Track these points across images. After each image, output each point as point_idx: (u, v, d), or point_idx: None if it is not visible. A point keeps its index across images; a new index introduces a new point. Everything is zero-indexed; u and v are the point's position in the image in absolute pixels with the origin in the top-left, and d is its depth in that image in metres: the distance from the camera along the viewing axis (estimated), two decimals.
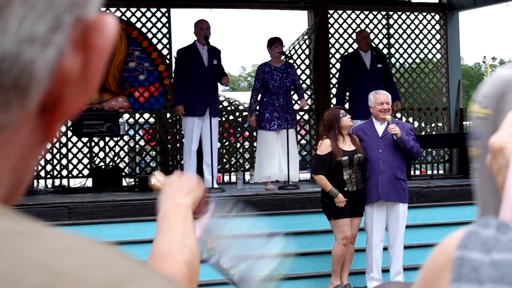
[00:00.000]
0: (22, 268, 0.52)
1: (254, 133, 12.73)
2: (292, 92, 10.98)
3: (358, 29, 13.43)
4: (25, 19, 0.56)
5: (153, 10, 12.86)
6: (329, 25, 13.70)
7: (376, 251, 8.21)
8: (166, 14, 12.93)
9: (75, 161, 12.51)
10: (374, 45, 12.96)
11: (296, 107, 12.01)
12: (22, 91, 0.57)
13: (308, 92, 13.58)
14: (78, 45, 0.59)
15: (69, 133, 12.34)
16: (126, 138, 12.83)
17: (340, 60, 12.62)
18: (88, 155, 12.53)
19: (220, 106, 11.86)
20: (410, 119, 14.29)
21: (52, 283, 0.52)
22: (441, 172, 14.72)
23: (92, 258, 0.54)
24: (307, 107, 13.39)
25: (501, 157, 1.14)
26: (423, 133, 14.34)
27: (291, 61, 12.24)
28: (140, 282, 0.54)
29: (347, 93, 11.71)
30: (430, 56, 14.51)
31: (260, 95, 10.63)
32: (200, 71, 10.33)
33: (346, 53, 13.21)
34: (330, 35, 13.70)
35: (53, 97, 0.59)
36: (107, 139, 12.38)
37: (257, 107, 10.69)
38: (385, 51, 14.06)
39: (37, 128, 0.59)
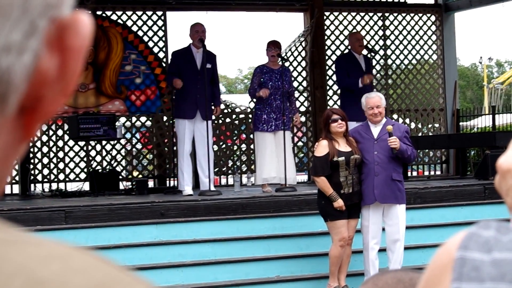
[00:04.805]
0: (4, 274, 0.51)
1: (251, 135, 12.73)
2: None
3: (354, 31, 13.43)
4: (0, 30, 0.55)
5: (149, 13, 12.85)
6: (325, 27, 13.71)
7: (371, 252, 8.20)
8: (162, 17, 12.92)
9: (72, 165, 12.51)
10: (371, 47, 12.95)
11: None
12: (1, 99, 0.56)
13: (305, 94, 13.58)
14: (54, 45, 0.58)
15: (66, 137, 12.34)
16: (123, 141, 12.82)
17: (335, 61, 12.45)
18: (85, 159, 12.52)
19: None
20: (407, 120, 14.31)
21: None
22: (438, 173, 14.75)
23: (75, 264, 0.54)
24: (299, 122, 13.37)
25: (510, 178, 1.16)
26: (419, 134, 14.35)
27: (287, 63, 12.24)
28: (123, 287, 0.54)
29: (342, 96, 11.62)
30: (426, 57, 14.53)
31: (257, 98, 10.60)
32: (192, 74, 10.30)
33: (340, 54, 13.09)
34: (326, 37, 13.71)
35: (32, 99, 0.58)
36: (104, 142, 12.37)
37: (254, 109, 10.67)
38: (381, 52, 14.08)
39: (16, 128, 0.59)
